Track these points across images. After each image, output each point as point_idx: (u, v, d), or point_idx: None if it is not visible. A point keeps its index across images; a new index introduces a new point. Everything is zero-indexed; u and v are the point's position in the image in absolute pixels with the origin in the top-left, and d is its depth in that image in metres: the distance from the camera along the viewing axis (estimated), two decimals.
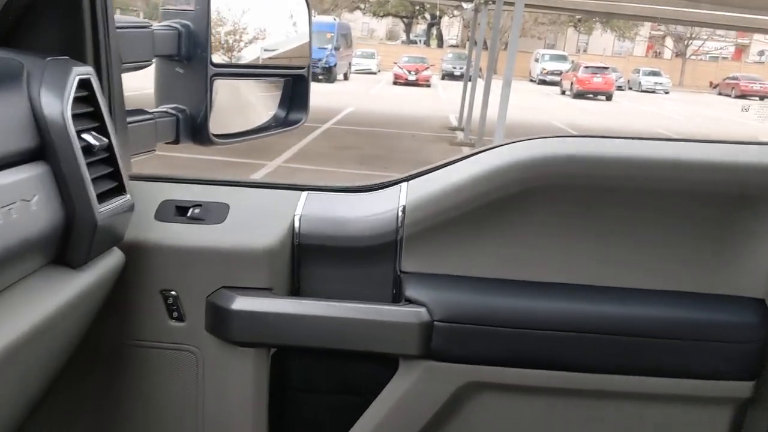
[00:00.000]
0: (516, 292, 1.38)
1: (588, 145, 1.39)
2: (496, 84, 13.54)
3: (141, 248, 1.35)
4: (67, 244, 1.13)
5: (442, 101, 30.22)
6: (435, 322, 1.35)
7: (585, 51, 69.12)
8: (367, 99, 28.81)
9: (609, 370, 1.35)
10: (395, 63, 44.59)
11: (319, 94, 28.75)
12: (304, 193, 1.46)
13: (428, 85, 41.77)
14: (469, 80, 19.81)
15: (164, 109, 1.66)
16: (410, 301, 1.37)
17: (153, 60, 1.54)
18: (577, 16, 53.44)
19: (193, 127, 1.67)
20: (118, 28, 1.39)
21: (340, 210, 1.44)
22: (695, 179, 1.34)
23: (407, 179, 1.48)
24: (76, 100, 1.14)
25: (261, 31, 1.80)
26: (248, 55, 1.84)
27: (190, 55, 1.62)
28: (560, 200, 1.37)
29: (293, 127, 1.93)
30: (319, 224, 1.41)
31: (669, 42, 66.43)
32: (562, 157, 1.36)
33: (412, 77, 42.18)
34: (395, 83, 41.86)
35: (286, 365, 1.48)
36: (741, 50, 68.17)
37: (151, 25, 1.53)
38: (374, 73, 50.46)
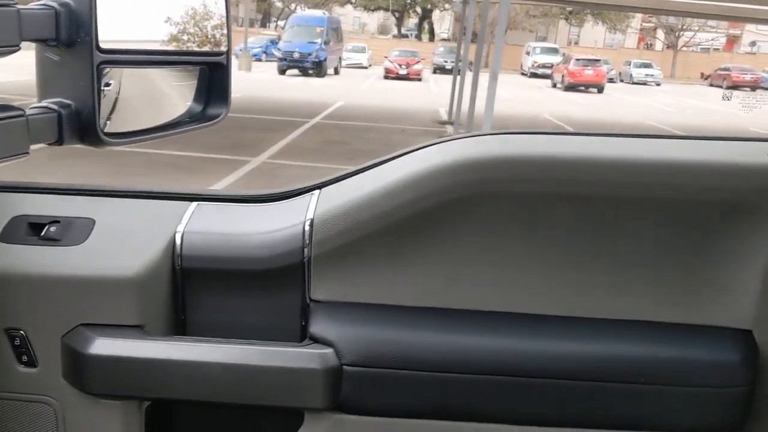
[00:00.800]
0: (444, 325, 1.12)
1: (537, 143, 1.14)
2: (486, 77, 13.31)
3: None
4: None
5: (433, 95, 29.95)
6: (344, 367, 1.08)
7: (576, 43, 68.87)
8: (357, 93, 28.51)
9: (559, 422, 1.09)
10: (386, 57, 44.21)
11: (308, 88, 28.48)
12: (193, 204, 1.19)
13: (419, 79, 41.46)
14: (459, 74, 19.54)
15: (43, 105, 1.39)
16: (316, 340, 1.10)
17: (19, 45, 1.28)
18: (568, 9, 53.21)
19: (81, 125, 1.41)
20: None
21: (237, 224, 1.17)
22: (667, 183, 1.08)
23: (320, 186, 1.21)
24: None
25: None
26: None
27: (72, 40, 1.35)
28: (501, 211, 1.11)
29: (212, 122, 1.67)
30: (207, 242, 1.14)
31: (660, 34, 66.17)
32: (505, 158, 1.10)
33: (403, 71, 41.84)
34: (386, 77, 41.53)
35: (166, 419, 1.22)
36: (732, 41, 67.94)
37: (15, 4, 1.27)
38: (365, 68, 50.11)
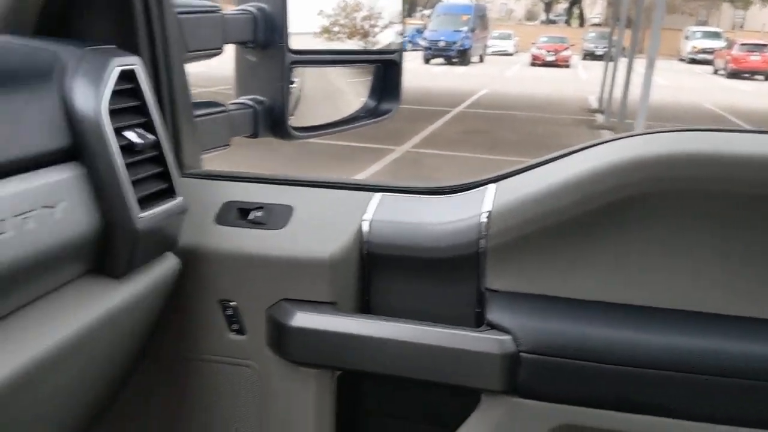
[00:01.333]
0: (622, 320, 1.13)
1: (726, 142, 1.12)
2: (641, 64, 12.70)
3: (199, 254, 1.24)
4: (107, 253, 1.03)
5: (581, 82, 28.98)
6: (521, 354, 1.13)
7: (741, 27, 63.86)
8: (501, 81, 28.15)
9: (738, 421, 1.08)
10: (533, 44, 43.28)
11: (452, 76, 28.46)
12: (378, 195, 1.29)
13: (567, 66, 40.25)
14: (611, 60, 18.78)
15: (241, 101, 1.54)
16: (493, 327, 1.16)
17: (222, 48, 1.43)
18: None
19: (272, 120, 1.55)
20: (181, 13, 1.28)
21: (417, 214, 1.25)
22: None
23: (496, 180, 1.26)
24: (119, 93, 1.03)
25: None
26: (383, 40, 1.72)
27: (267, 42, 1.49)
28: (691, 209, 1.10)
29: (383, 117, 1.76)
30: (391, 230, 1.23)
31: None
32: (692, 156, 1.09)
33: (550, 58, 40.79)
34: (533, 64, 40.67)
35: (355, 388, 1.32)
36: None
37: (220, 9, 1.42)
38: (510, 55, 49.31)
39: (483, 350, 1.13)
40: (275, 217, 1.25)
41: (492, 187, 1.24)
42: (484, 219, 1.18)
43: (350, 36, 1.70)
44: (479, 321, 1.21)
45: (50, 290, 0.97)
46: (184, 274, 1.22)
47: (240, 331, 1.26)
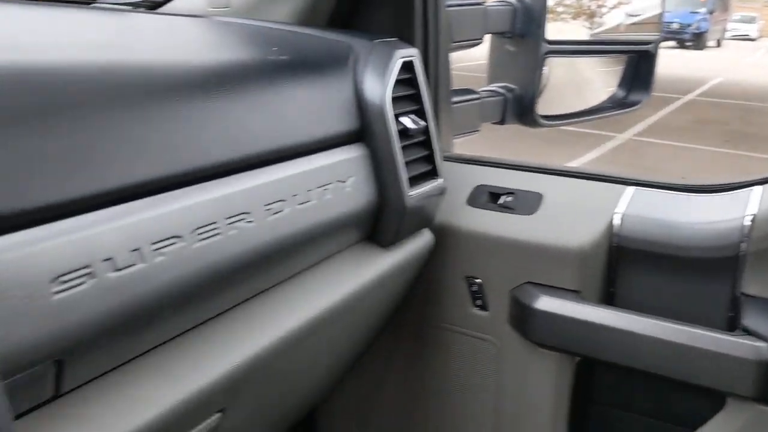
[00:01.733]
0: None
1: None
2: None
3: (451, 232, 1.33)
4: (378, 225, 1.16)
5: None
6: None
7: None
8: (740, 68, 25.64)
9: None
10: None
11: (684, 61, 26.44)
12: (630, 188, 1.29)
13: None
14: None
15: (492, 89, 1.61)
16: (748, 332, 1.13)
17: (482, 38, 1.50)
18: None
19: (521, 108, 1.61)
20: (449, 6, 1.38)
21: (672, 211, 1.24)
22: None
23: (762, 182, 1.21)
24: (399, 82, 1.14)
25: None
26: (609, 21, 1.71)
27: (524, 32, 1.54)
28: None
29: (630, 109, 1.74)
30: (643, 226, 1.23)
31: None
32: None
33: None
34: None
35: (590, 376, 1.35)
36: None
37: (484, 2, 1.49)
38: (753, 40, 44.64)
39: (736, 355, 1.10)
40: (525, 203, 1.30)
41: (758, 189, 1.19)
42: (747, 222, 1.14)
43: (575, 16, 1.70)
44: (731, 325, 1.18)
45: (333, 253, 1.11)
46: (436, 249, 1.32)
47: (483, 307, 1.34)
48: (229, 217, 0.84)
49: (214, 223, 0.82)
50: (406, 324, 1.44)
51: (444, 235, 1.33)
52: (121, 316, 0.70)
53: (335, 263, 1.11)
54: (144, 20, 1.13)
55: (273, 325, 0.94)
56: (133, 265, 0.71)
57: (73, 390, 0.70)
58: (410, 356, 1.46)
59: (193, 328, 0.85)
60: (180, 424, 0.80)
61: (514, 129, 1.73)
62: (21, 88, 0.67)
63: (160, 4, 1.36)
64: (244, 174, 0.89)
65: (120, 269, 0.70)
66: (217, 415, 0.88)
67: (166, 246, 0.75)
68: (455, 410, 1.43)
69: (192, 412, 0.81)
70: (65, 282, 0.65)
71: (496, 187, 1.35)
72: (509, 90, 1.61)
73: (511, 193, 1.33)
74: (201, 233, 0.80)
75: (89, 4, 1.25)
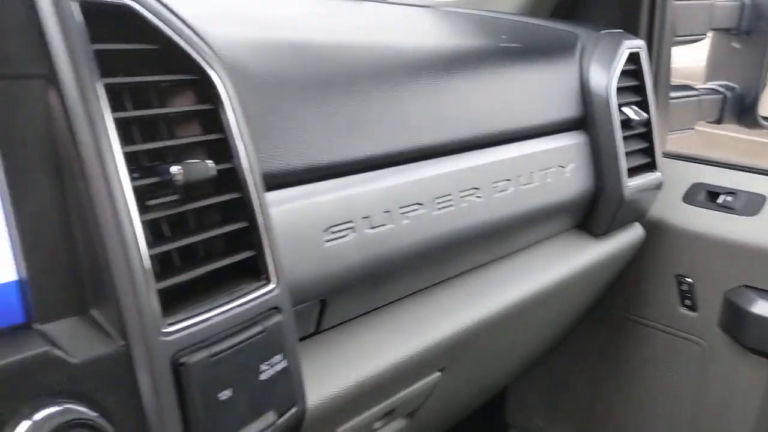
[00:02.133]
0: None
1: None
2: None
3: (663, 228, 1.31)
4: (592, 213, 1.17)
5: None
6: None
7: None
8: None
9: None
10: None
11: None
12: None
13: None
14: None
15: (711, 86, 1.55)
16: None
17: (706, 34, 1.45)
18: None
19: (741, 107, 1.54)
20: (676, 0, 1.35)
21: None
22: None
23: None
24: (623, 73, 1.15)
25: None
26: None
27: (750, 29, 1.47)
28: None
29: None
30: None
31: None
32: None
33: None
34: None
35: None
36: None
37: None
38: None
39: None
40: (747, 204, 1.25)
41: None
42: None
43: None
44: None
45: (546, 238, 1.14)
46: (646, 244, 1.30)
47: (692, 308, 1.30)
48: (462, 191, 0.90)
49: (449, 195, 0.88)
50: (606, 316, 1.44)
51: (656, 231, 1.31)
52: (372, 268, 0.78)
53: (547, 247, 1.13)
54: (384, 9, 1.22)
55: (489, 298, 0.99)
56: (385, 225, 0.79)
57: (329, 329, 0.79)
58: (606, 349, 1.45)
59: (424, 289, 0.91)
60: (408, 375, 0.87)
61: (703, 138, 1.66)
62: (322, 60, 0.78)
63: None
64: (477, 152, 0.95)
65: (375, 227, 0.78)
66: (438, 374, 0.95)
67: (411, 211, 0.82)
68: (647, 408, 1.40)
69: (419, 367, 0.88)
70: (334, 233, 0.74)
71: (715, 186, 1.31)
72: (729, 89, 1.54)
73: (732, 193, 1.28)
74: (439, 203, 0.86)
75: None
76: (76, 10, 0.51)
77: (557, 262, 1.12)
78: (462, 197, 0.90)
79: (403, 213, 0.82)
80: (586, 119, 1.13)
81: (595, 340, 1.47)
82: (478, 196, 0.93)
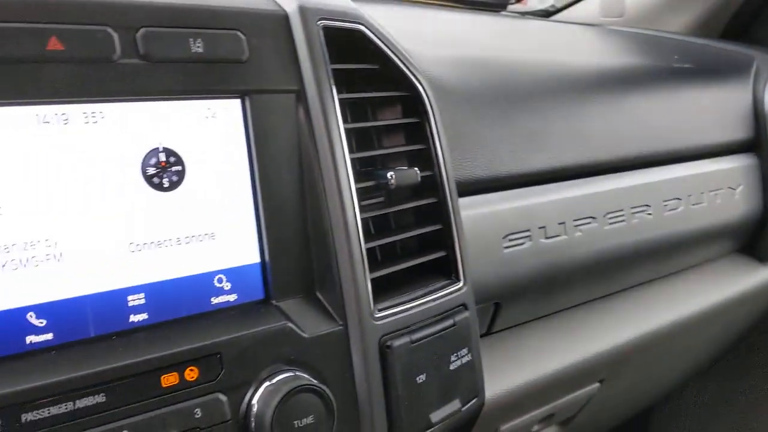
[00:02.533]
0: None
1: None
2: None
3: None
4: (759, 237, 1.14)
5: None
6: None
7: None
8: None
9: None
10: None
11: None
12: None
13: None
14: None
15: None
16: None
17: None
18: None
19: None
20: None
21: None
22: None
23: None
24: None
25: None
26: None
27: None
28: None
29: None
30: None
31: None
32: None
33: None
34: None
35: None
36: None
37: None
38: None
39: None
40: None
41: None
42: None
43: None
44: None
45: (710, 259, 1.13)
46: None
47: None
48: (634, 207, 0.92)
49: (621, 210, 0.90)
50: (765, 343, 1.39)
51: None
52: (545, 277, 0.82)
53: (711, 269, 1.12)
54: (552, 27, 1.26)
55: (652, 315, 1.00)
56: (558, 236, 0.83)
57: (499, 331, 0.84)
58: (762, 375, 1.40)
59: (590, 301, 0.94)
60: (570, 383, 0.90)
61: None
62: (503, 76, 0.83)
63: (552, 13, 1.48)
64: (649, 169, 0.96)
65: (549, 237, 0.82)
66: (597, 385, 0.97)
67: (584, 224, 0.86)
68: None
69: (581, 375, 0.90)
70: (512, 240, 0.78)
71: None
72: None
73: None
74: (611, 218, 0.89)
75: (498, 11, 1.41)
76: (320, 34, 0.58)
77: (721, 285, 1.11)
78: (633, 213, 0.92)
79: (577, 225, 0.85)
80: (756, 141, 1.11)
81: (750, 364, 1.42)
82: (649, 213, 0.94)
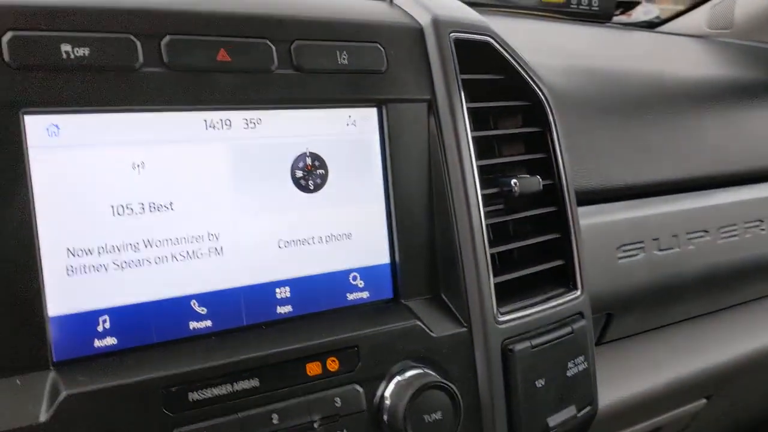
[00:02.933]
0: None
1: None
2: None
3: None
4: None
5: None
6: None
7: None
8: None
9: None
10: None
11: None
12: None
13: None
14: None
15: None
16: None
17: None
18: None
19: None
20: None
21: None
22: None
23: None
24: None
25: None
26: None
27: None
28: None
29: None
30: None
31: None
32: None
33: None
34: None
35: None
36: None
37: None
38: None
39: None
40: None
41: None
42: None
43: None
44: None
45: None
46: None
47: None
48: (747, 222, 0.91)
49: (734, 225, 0.89)
50: None
51: None
52: (657, 289, 0.82)
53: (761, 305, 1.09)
54: (657, 38, 1.25)
55: (759, 332, 0.98)
56: (671, 248, 0.82)
57: (608, 342, 0.84)
58: None
59: (700, 315, 0.93)
60: (675, 398, 0.90)
61: None
62: (615, 87, 0.84)
63: (657, 25, 1.46)
64: (761, 184, 0.95)
65: (662, 249, 0.82)
66: (703, 401, 0.95)
67: (696, 237, 0.85)
68: None
69: (686, 391, 0.89)
70: (626, 251, 0.79)
71: None
72: None
73: None
74: (723, 232, 0.88)
75: (604, 23, 1.41)
76: (452, 46, 0.61)
77: None
78: (746, 228, 0.91)
79: (690, 238, 0.84)
80: None
81: None
82: (762, 229, 0.92)
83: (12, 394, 0.44)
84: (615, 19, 1.45)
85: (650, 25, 1.48)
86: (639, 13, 1.59)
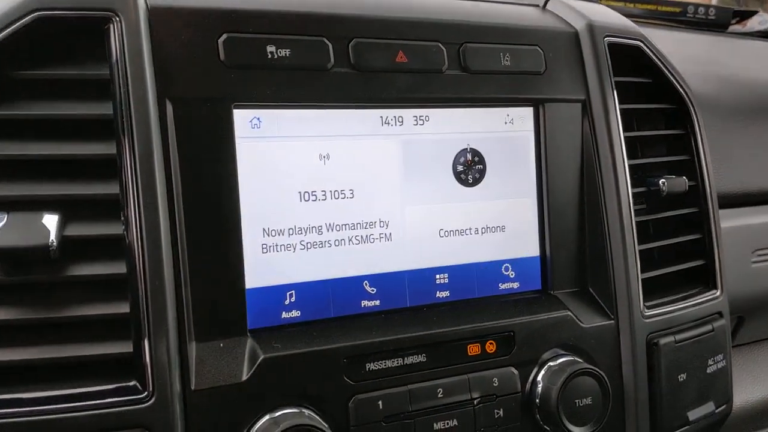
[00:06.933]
0: None
1: None
2: None
3: None
4: None
5: None
6: None
7: None
8: None
9: None
10: None
11: None
12: None
13: None
14: None
15: None
16: None
17: None
18: None
19: None
20: None
21: None
22: None
23: None
24: None
25: None
26: None
27: None
28: None
29: None
30: None
31: None
32: None
33: None
34: None
35: None
36: None
37: None
38: None
39: None
40: None
41: None
42: None
43: None
44: None
45: None
46: None
47: None
48: None
49: None
50: None
51: None
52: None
53: None
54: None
55: None
56: None
57: (739, 345, 0.84)
58: None
59: None
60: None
61: None
62: (747, 94, 0.85)
63: None
64: None
65: None
66: None
67: None
68: None
69: None
70: (760, 255, 0.79)
71: None
72: None
73: None
74: None
75: (721, 32, 1.39)
76: (606, 50, 0.64)
77: None
78: None
79: None
80: None
81: None
82: None
83: (216, 356, 0.49)
84: (730, 28, 1.43)
85: (766, 35, 1.45)
86: (754, 23, 1.57)
